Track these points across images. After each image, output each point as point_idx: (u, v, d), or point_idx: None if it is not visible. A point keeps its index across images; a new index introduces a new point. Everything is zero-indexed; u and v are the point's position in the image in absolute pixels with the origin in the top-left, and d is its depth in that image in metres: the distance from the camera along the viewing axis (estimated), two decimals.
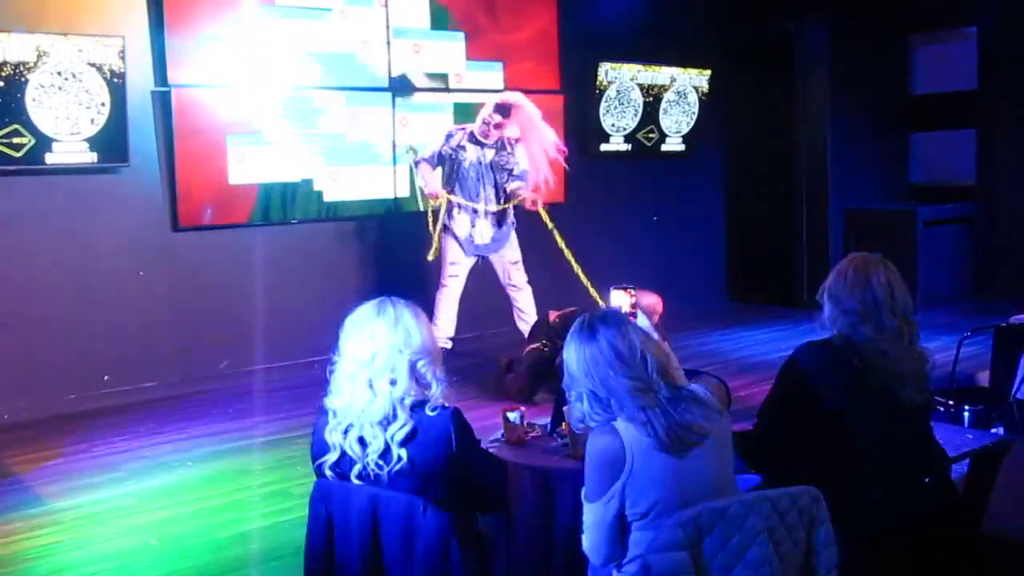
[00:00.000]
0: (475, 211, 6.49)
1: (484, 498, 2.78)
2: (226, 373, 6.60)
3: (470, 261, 6.60)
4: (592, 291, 6.36)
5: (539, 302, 6.66)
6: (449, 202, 6.44)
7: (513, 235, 6.67)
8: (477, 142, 6.47)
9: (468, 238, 6.52)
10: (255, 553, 3.85)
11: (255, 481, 4.69)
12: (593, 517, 2.46)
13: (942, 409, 4.26)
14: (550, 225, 6.55)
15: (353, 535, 2.54)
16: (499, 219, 6.57)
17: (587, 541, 2.51)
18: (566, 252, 6.55)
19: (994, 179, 8.98)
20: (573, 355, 2.51)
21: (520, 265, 6.68)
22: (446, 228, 6.49)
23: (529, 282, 6.71)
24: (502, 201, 6.54)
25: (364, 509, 2.53)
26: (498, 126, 6.40)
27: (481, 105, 6.64)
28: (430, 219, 6.56)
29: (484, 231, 6.54)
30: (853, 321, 2.81)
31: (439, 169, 6.61)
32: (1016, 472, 3.08)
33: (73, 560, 3.84)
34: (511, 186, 6.53)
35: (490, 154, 6.49)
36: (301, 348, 6.63)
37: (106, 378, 6.20)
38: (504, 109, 6.37)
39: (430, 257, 6.52)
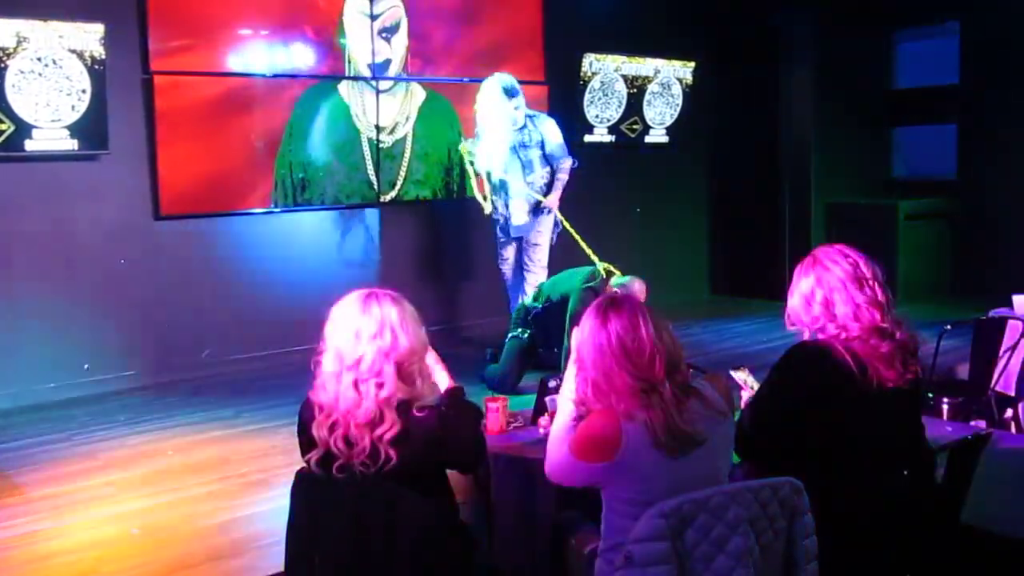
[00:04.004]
0: (507, 195, 6.47)
1: (467, 463, 2.77)
2: (208, 362, 6.58)
3: (511, 245, 6.60)
4: (594, 257, 6.25)
5: None
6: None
7: (547, 219, 6.56)
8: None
9: (506, 222, 6.53)
10: (235, 543, 3.84)
11: (236, 470, 4.68)
12: (562, 441, 2.52)
13: None
14: (565, 224, 6.57)
15: (335, 526, 2.53)
16: (536, 204, 6.51)
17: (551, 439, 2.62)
18: (577, 238, 6.50)
19: (975, 173, 9.03)
20: (582, 339, 2.50)
21: (541, 248, 6.58)
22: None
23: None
24: (535, 186, 6.47)
25: (346, 500, 2.52)
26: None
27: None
28: (475, 184, 6.69)
29: (519, 214, 6.49)
30: (830, 313, 2.72)
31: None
32: (994, 464, 3.11)
33: (52, 549, 3.82)
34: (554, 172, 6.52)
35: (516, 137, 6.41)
36: (283, 337, 6.62)
37: (86, 367, 6.17)
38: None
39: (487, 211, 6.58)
